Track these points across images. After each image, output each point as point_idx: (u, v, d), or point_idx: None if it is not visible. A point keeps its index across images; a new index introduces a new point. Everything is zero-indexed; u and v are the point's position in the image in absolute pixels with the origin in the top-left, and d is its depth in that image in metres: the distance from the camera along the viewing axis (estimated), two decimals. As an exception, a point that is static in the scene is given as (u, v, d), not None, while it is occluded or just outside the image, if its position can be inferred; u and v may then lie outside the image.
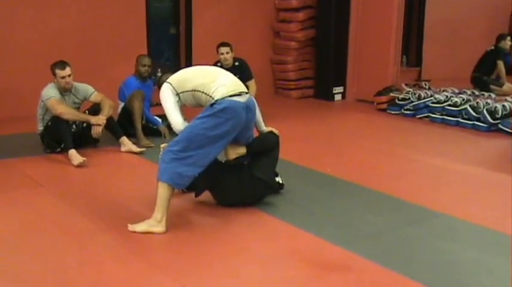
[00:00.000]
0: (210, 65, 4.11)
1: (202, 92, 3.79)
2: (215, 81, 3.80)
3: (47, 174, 4.93)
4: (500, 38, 9.20)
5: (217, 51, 6.68)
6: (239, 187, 4.04)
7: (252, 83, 6.63)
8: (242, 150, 4.04)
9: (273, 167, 4.22)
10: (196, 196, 4.12)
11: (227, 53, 6.62)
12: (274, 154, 4.21)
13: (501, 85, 8.75)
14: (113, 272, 3.14)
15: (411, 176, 5.11)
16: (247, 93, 3.91)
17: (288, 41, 8.94)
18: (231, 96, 3.73)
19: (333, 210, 4.12)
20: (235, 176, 4.06)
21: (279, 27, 9.10)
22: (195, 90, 3.82)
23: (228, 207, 4.04)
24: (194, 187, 4.06)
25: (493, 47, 9.09)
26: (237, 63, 6.70)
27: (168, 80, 3.94)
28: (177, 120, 3.83)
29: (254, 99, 4.03)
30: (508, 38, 9.21)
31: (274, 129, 4.32)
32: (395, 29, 8.37)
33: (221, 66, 6.09)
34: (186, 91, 3.85)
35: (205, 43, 8.47)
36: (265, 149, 4.15)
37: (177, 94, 3.86)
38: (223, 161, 4.17)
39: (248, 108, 3.85)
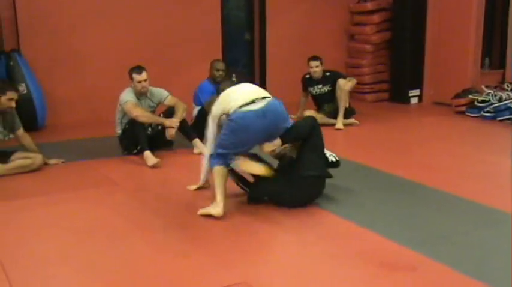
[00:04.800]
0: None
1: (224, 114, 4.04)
2: (230, 102, 3.99)
3: (123, 174, 5.13)
4: None
5: (308, 64, 7.08)
6: (293, 190, 4.02)
7: (342, 80, 7.00)
8: (277, 141, 4.06)
9: (320, 157, 4.14)
10: (250, 201, 4.21)
11: (317, 66, 7.06)
12: (314, 142, 4.10)
13: None
14: (177, 266, 3.21)
15: (487, 178, 4.90)
16: (264, 97, 4.01)
17: (363, 44, 8.85)
18: (241, 107, 3.90)
19: (401, 212, 4.03)
20: (287, 182, 4.03)
21: (354, 31, 9.03)
22: (222, 115, 4.06)
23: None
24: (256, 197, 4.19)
25: None
26: (327, 74, 7.12)
27: (213, 113, 4.10)
28: (208, 151, 4.11)
29: (278, 101, 4.07)
30: None
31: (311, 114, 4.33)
32: (474, 29, 8.08)
33: (311, 78, 7.09)
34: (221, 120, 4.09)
35: (279, 49, 8.56)
36: (299, 136, 4.09)
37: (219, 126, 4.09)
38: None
39: (264, 113, 3.91)
